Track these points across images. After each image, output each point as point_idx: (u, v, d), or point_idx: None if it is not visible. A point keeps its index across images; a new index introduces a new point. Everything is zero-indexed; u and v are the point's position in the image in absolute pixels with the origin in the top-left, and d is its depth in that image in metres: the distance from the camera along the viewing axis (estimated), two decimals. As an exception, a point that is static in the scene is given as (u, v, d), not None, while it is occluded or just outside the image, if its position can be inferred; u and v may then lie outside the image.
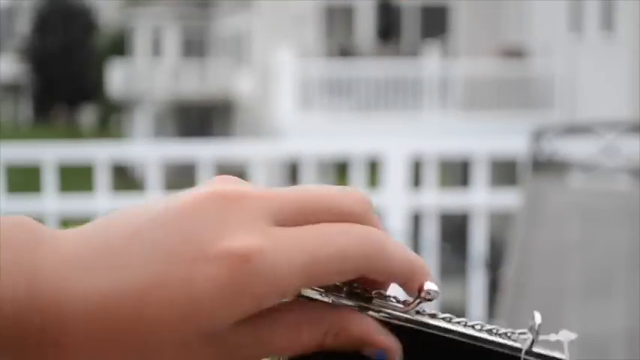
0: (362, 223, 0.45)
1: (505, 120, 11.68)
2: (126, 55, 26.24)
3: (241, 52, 21.04)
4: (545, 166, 2.56)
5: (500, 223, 4.03)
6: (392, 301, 0.46)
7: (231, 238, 0.42)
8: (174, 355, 0.43)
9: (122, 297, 0.42)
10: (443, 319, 0.46)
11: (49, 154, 3.22)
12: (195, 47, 25.50)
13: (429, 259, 3.27)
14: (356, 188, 0.47)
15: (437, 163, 3.35)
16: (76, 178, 4.44)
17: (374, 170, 3.41)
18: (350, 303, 0.45)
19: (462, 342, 0.46)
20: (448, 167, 9.42)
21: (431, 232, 3.27)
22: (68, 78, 29.95)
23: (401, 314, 0.46)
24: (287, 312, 0.44)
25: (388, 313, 0.45)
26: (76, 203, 3.17)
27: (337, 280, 0.45)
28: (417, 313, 0.46)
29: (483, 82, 12.65)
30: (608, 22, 10.96)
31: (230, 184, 0.44)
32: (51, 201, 3.14)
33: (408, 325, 0.46)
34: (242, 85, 20.82)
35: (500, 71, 12.72)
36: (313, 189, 0.46)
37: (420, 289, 0.45)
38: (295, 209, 0.44)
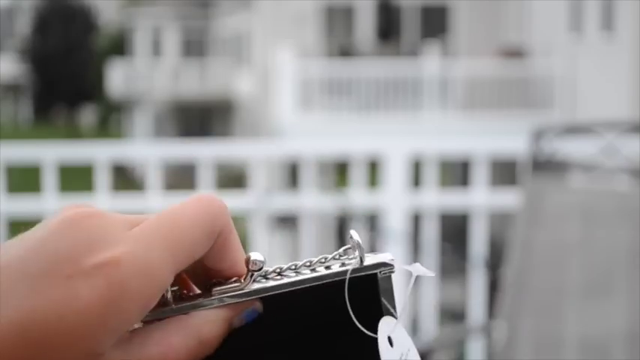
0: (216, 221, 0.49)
1: (505, 120, 11.69)
2: (126, 55, 26.24)
3: (241, 52, 21.04)
4: (545, 166, 2.56)
5: (500, 223, 4.03)
6: (229, 284, 0.50)
7: (99, 250, 0.45)
8: None
9: (6, 331, 0.43)
10: (280, 275, 0.50)
11: (49, 154, 3.22)
12: (195, 47, 25.49)
13: (429, 259, 3.27)
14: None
15: (437, 163, 3.35)
16: (76, 178, 4.45)
17: (374, 170, 3.41)
18: (194, 302, 0.49)
19: (301, 288, 0.49)
20: (448, 167, 9.42)
21: (431, 232, 3.27)
22: (68, 78, 29.94)
23: (238, 292, 0.49)
24: (154, 330, 0.47)
25: (229, 296, 0.49)
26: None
27: (200, 252, 0.48)
28: (255, 282, 0.50)
29: (483, 82, 12.65)
30: (608, 22, 10.96)
31: (81, 207, 0.47)
32: (51, 201, 3.14)
33: (250, 298, 0.49)
34: (242, 85, 20.82)
35: (500, 71, 12.71)
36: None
37: (247, 262, 0.49)
38: (146, 216, 0.49)
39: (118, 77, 25.07)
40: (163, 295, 0.48)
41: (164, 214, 0.48)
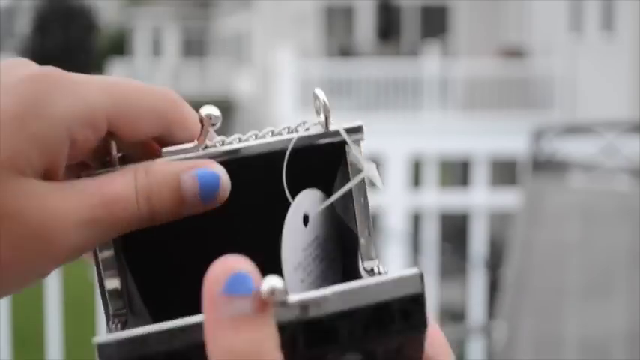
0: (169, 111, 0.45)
1: (505, 120, 11.68)
2: (126, 55, 26.25)
3: (241, 52, 21.04)
4: (545, 166, 2.56)
5: (500, 223, 4.03)
6: (180, 147, 0.44)
7: (24, 68, 0.43)
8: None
9: None
10: (240, 141, 0.45)
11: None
12: (195, 47, 25.50)
13: (429, 259, 3.27)
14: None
15: (437, 163, 3.35)
16: (76, 178, 4.44)
17: (374, 170, 3.41)
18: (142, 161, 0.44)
19: (264, 153, 0.44)
20: (448, 167, 9.42)
21: (431, 232, 3.27)
22: (68, 78, 29.92)
23: (193, 154, 0.44)
24: (96, 179, 0.43)
25: (181, 157, 0.44)
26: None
27: (144, 130, 0.44)
28: (207, 147, 0.44)
29: (483, 82, 12.65)
30: (608, 22, 10.96)
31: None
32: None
33: (203, 156, 0.44)
34: (242, 85, 20.83)
35: (500, 71, 12.71)
36: None
37: (201, 120, 0.43)
38: None
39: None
40: (110, 155, 0.44)
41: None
